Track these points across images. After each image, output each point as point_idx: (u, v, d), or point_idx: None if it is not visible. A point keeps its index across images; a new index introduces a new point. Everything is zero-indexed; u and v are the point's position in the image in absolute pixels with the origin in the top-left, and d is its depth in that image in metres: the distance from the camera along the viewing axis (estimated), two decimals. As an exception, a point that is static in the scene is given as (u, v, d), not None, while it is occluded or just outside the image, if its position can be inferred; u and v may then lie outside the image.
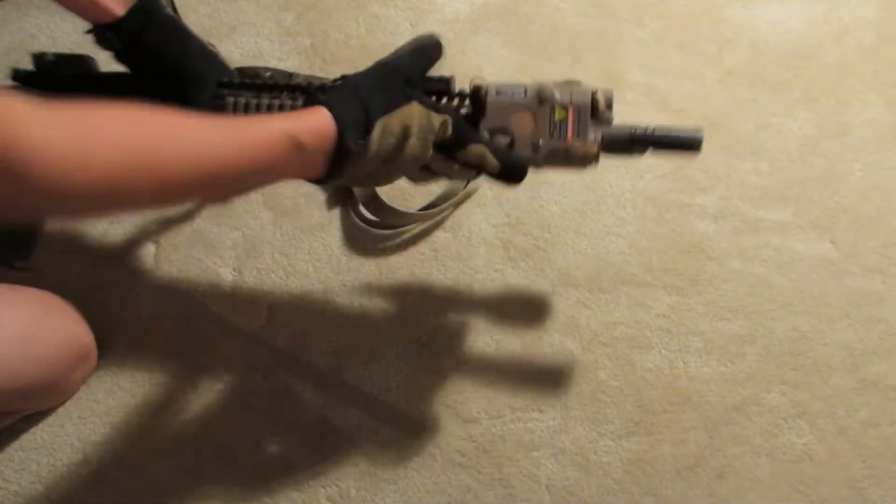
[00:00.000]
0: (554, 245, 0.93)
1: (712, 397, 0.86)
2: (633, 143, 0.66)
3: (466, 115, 0.66)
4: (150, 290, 0.91)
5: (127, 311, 0.90)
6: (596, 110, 0.65)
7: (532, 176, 0.67)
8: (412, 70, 0.63)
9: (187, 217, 0.95)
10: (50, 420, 0.85)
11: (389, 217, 0.92)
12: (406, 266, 0.92)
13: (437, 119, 0.62)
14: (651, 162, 0.97)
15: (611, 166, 0.97)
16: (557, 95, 0.64)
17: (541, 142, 0.64)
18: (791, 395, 0.86)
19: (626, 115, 0.99)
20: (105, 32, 0.65)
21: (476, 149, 0.64)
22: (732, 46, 1.05)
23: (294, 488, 0.83)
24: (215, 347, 0.89)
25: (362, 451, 0.84)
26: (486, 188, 0.96)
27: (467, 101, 0.67)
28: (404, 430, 0.85)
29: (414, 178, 0.67)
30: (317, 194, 0.95)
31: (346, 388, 0.87)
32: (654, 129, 0.66)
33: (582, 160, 0.65)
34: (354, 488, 0.83)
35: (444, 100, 0.66)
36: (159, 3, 0.67)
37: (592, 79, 1.02)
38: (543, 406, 0.86)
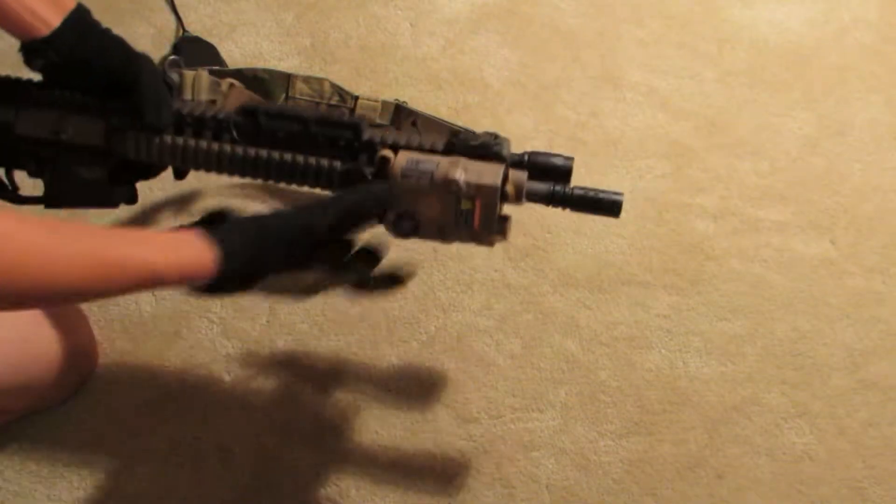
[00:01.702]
0: (554, 245, 0.93)
1: (712, 397, 0.86)
2: (551, 200, 0.64)
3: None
4: (150, 290, 0.91)
5: (127, 311, 0.90)
6: (505, 198, 0.63)
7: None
8: (326, 236, 0.60)
9: (187, 217, 0.95)
10: (50, 420, 0.85)
11: None
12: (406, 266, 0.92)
13: (323, 286, 0.65)
14: (651, 162, 0.97)
15: (611, 165, 0.97)
16: (463, 187, 0.60)
17: (446, 228, 0.62)
18: (791, 395, 0.86)
19: (626, 115, 1.00)
20: (42, 47, 0.61)
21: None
22: (732, 46, 1.05)
23: (294, 488, 0.83)
24: (215, 348, 0.89)
25: (362, 450, 0.84)
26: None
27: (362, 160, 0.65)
28: (404, 430, 0.85)
29: None
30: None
31: (346, 388, 0.87)
32: (573, 190, 0.64)
33: (489, 244, 0.64)
34: (354, 488, 0.83)
35: (355, 145, 0.64)
36: (93, 18, 0.65)
37: (592, 79, 1.02)
38: (543, 406, 0.86)
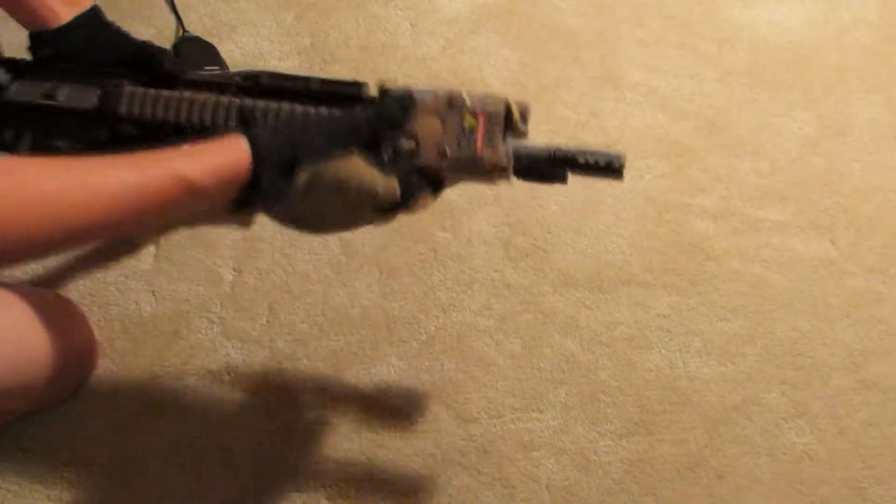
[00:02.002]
0: (554, 245, 0.93)
1: (712, 397, 0.86)
2: (551, 162, 0.62)
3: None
4: (150, 290, 0.91)
5: (127, 310, 0.90)
6: (510, 121, 0.60)
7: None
8: (363, 126, 0.57)
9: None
10: (50, 420, 0.85)
11: None
12: (406, 266, 0.92)
13: (380, 182, 0.56)
14: (651, 162, 0.97)
15: (611, 166, 0.97)
16: (468, 101, 0.60)
17: (447, 149, 0.59)
18: (791, 395, 0.86)
19: (626, 115, 1.00)
20: (53, 36, 0.62)
21: (423, 202, 0.59)
22: (732, 46, 1.05)
23: (294, 488, 0.83)
24: (215, 348, 0.89)
25: (362, 450, 0.84)
26: (486, 188, 0.96)
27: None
28: (404, 430, 0.85)
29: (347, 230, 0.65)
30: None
31: (346, 388, 0.87)
32: (574, 150, 0.62)
33: (491, 171, 0.61)
34: (354, 488, 0.83)
35: (357, 107, 0.61)
36: (106, 18, 0.66)
37: (592, 79, 1.02)
38: (543, 406, 0.86)
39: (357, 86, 0.63)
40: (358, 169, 0.55)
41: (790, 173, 0.97)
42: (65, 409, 0.86)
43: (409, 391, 0.87)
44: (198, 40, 1.03)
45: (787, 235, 0.93)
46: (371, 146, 0.57)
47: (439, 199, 0.95)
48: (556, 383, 0.87)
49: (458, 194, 0.96)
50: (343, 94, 0.63)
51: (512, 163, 0.61)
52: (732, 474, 0.83)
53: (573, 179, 0.96)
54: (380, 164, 0.57)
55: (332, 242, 0.93)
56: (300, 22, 1.07)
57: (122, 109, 0.62)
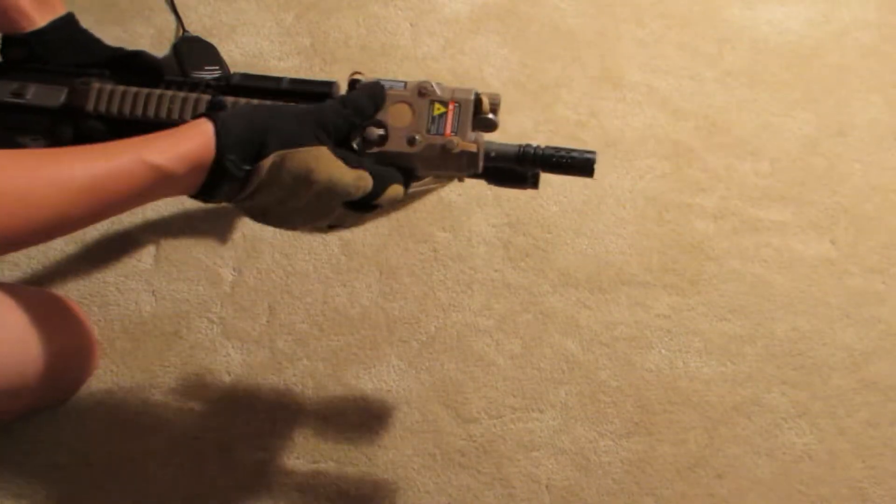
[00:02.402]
0: (554, 245, 0.93)
1: (712, 397, 0.86)
2: (521, 160, 0.62)
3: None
4: (150, 290, 0.91)
5: (127, 311, 0.90)
6: (479, 110, 0.61)
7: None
8: (332, 117, 0.56)
9: (187, 217, 0.95)
10: (50, 420, 0.85)
11: None
12: (406, 266, 0.92)
13: (349, 174, 0.55)
14: (651, 162, 0.97)
15: (611, 166, 0.97)
16: (438, 90, 0.60)
17: (417, 136, 0.60)
18: (791, 395, 0.86)
19: (626, 115, 1.00)
20: (29, 38, 0.62)
21: (393, 190, 0.59)
22: (732, 46, 1.05)
23: (294, 488, 0.83)
24: (215, 348, 0.89)
25: (362, 451, 0.84)
26: (485, 188, 0.96)
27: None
28: (404, 430, 0.85)
29: (320, 230, 0.64)
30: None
31: (346, 388, 0.87)
32: (544, 148, 0.62)
33: (460, 160, 0.60)
34: (354, 488, 0.83)
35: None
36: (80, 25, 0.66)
37: (592, 79, 1.02)
38: (543, 406, 0.86)
39: (328, 85, 0.63)
40: (326, 160, 0.54)
41: (790, 173, 0.97)
42: (65, 409, 0.86)
43: (409, 391, 0.87)
44: (198, 40, 1.03)
45: (787, 235, 0.93)
46: (341, 139, 0.57)
47: (439, 199, 0.96)
48: (556, 383, 0.87)
49: (458, 194, 0.96)
50: (314, 92, 0.63)
51: (482, 151, 0.61)
52: (732, 474, 0.83)
53: (574, 179, 0.96)
54: (349, 156, 0.57)
55: (332, 242, 0.93)
56: (300, 22, 1.07)
57: (90, 106, 0.62)
